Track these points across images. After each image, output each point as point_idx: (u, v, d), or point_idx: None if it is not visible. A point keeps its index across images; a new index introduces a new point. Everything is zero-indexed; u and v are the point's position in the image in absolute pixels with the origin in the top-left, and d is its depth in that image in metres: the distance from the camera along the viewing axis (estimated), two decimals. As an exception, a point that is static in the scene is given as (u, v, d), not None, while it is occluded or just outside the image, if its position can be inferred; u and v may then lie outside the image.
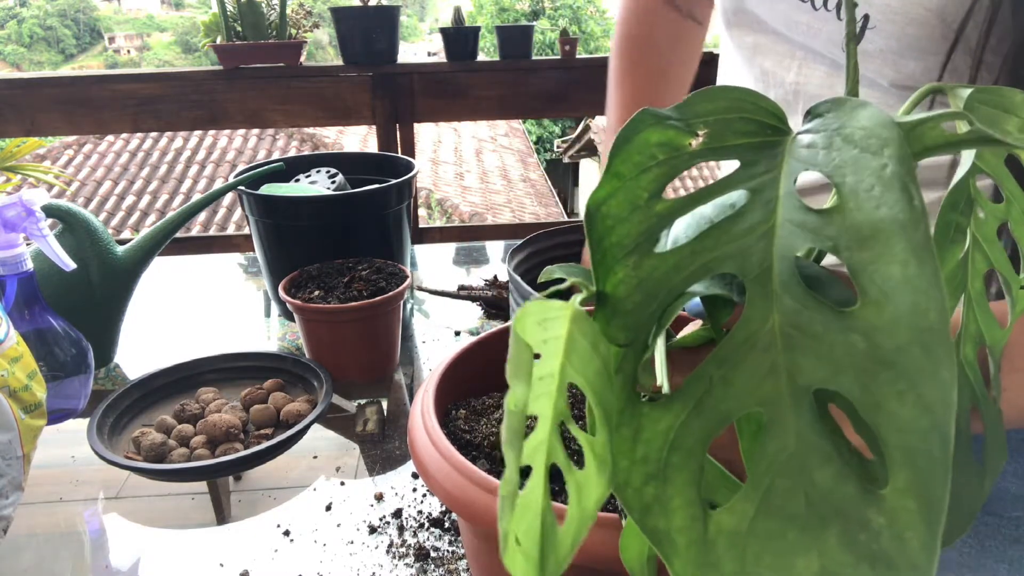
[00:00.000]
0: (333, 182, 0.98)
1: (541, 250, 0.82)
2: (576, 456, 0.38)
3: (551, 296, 0.19)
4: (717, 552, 0.15)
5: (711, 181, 0.22)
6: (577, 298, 0.20)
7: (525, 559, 0.16)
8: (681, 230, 0.21)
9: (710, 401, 0.17)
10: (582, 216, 0.27)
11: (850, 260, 0.16)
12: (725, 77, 0.69)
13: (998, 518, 0.47)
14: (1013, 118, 0.24)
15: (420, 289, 1.02)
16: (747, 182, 0.20)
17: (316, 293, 0.79)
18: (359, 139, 6.35)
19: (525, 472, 0.17)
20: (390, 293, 0.77)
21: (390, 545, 0.55)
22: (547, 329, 0.18)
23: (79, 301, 0.78)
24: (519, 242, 0.81)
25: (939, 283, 0.15)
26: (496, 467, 0.40)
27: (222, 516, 0.60)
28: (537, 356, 0.18)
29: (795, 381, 0.16)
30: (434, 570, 0.52)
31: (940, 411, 0.14)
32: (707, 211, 0.21)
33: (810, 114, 0.22)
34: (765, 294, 0.17)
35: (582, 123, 7.80)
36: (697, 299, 0.29)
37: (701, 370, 0.17)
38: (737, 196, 0.20)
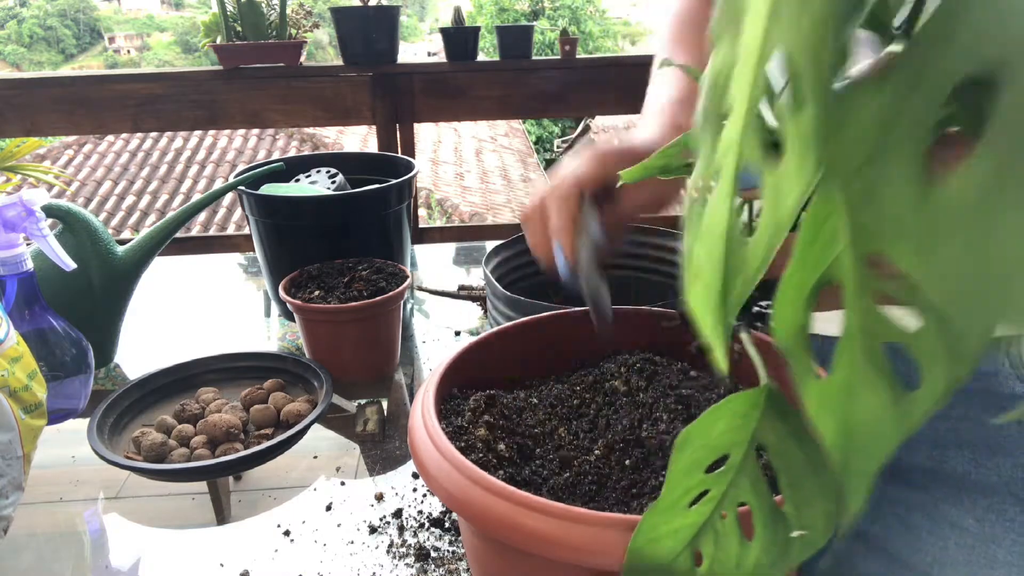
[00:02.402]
0: (333, 182, 0.98)
1: (521, 252, 0.82)
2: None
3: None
4: (948, 226, 0.13)
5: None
6: None
7: (705, 289, 0.14)
8: None
9: (929, 66, 0.13)
10: None
11: None
12: None
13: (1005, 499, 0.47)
14: None
15: (420, 289, 1.02)
16: None
17: (316, 293, 0.79)
18: (359, 139, 6.35)
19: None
20: (390, 293, 0.77)
21: (390, 545, 0.55)
22: None
23: (79, 301, 0.78)
24: (499, 243, 0.81)
25: None
26: (496, 465, 0.40)
27: (222, 516, 0.60)
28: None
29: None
30: (434, 570, 0.52)
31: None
32: None
33: None
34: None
35: (582, 123, 7.80)
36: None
37: (916, 36, 0.14)
38: None
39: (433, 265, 1.17)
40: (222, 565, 0.53)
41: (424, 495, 0.60)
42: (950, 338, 0.13)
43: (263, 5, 1.66)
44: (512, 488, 0.34)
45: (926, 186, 0.13)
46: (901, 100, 0.14)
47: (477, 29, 1.72)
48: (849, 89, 0.14)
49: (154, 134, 5.89)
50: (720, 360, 0.15)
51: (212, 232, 4.86)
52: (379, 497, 0.60)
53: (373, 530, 0.56)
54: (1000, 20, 0.12)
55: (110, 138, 6.01)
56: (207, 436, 0.64)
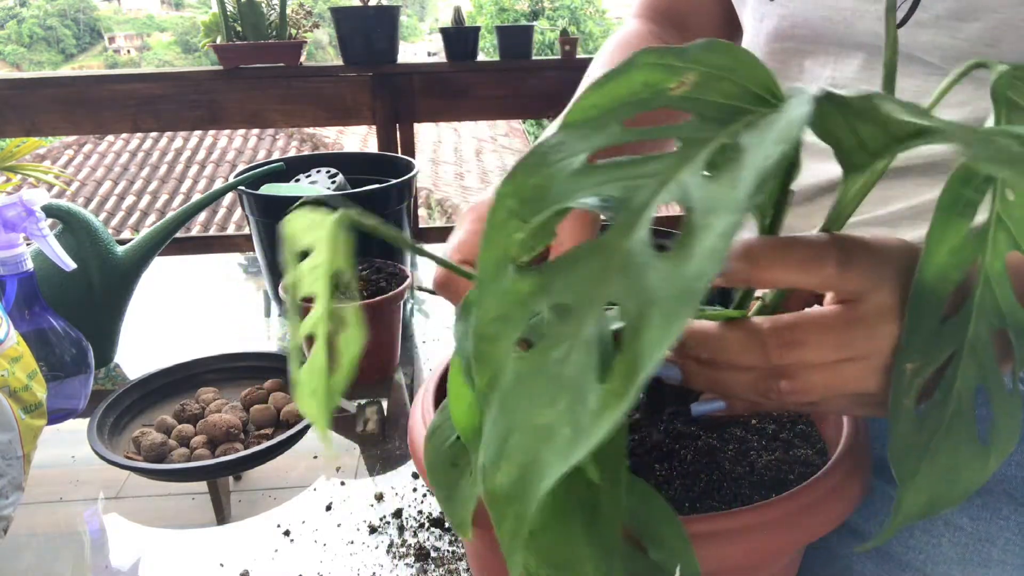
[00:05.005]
0: (333, 182, 0.98)
1: None
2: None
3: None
4: (507, 381, 0.20)
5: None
6: (339, 214, 0.24)
7: (318, 404, 0.23)
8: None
9: (554, 281, 0.20)
10: None
11: (690, 220, 0.18)
12: None
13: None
14: None
15: (420, 289, 1.02)
16: (691, 132, 0.22)
17: (316, 293, 0.79)
18: (359, 139, 6.34)
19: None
20: (390, 293, 0.77)
21: (390, 545, 0.55)
22: (314, 231, 0.24)
23: (79, 301, 0.78)
24: None
25: (718, 265, 0.17)
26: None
27: (222, 516, 0.60)
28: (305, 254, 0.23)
29: (605, 292, 0.18)
30: (434, 570, 0.52)
31: (665, 341, 0.17)
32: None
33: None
34: (631, 223, 0.19)
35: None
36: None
37: (567, 254, 0.20)
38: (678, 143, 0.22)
39: (433, 265, 1.17)
40: (222, 565, 0.53)
41: (424, 495, 0.60)
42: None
43: (263, 5, 1.66)
44: (512, 488, 0.34)
45: (515, 352, 0.21)
46: (538, 289, 0.21)
47: (477, 29, 1.72)
48: (513, 275, 0.22)
49: (154, 134, 5.89)
50: (323, 430, 0.23)
51: (212, 232, 4.86)
52: (379, 497, 0.60)
53: (373, 530, 0.56)
54: None
55: (110, 138, 6.01)
56: (207, 436, 0.64)
